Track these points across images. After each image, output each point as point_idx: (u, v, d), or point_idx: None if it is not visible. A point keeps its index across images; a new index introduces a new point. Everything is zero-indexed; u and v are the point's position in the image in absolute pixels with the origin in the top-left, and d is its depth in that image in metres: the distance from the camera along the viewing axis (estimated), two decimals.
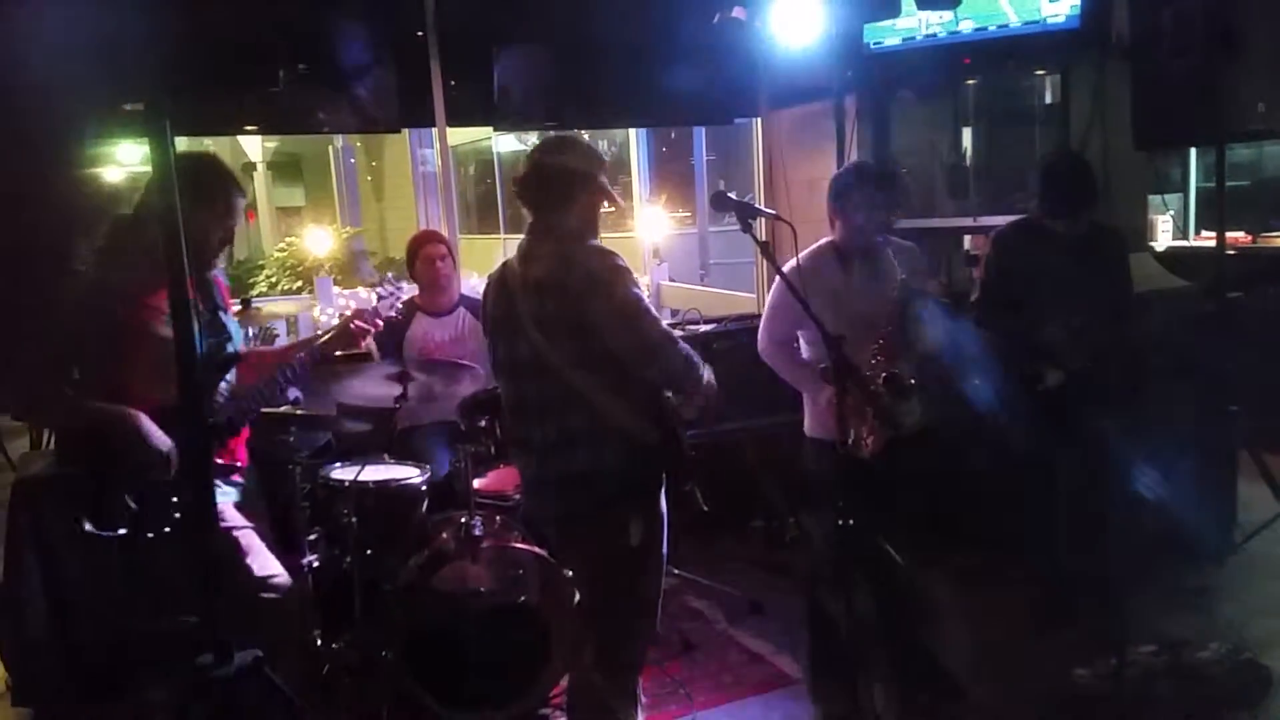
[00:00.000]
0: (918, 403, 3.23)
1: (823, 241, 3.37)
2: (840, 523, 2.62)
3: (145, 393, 2.65)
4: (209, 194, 2.76)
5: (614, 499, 2.65)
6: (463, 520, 3.39)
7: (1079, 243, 3.72)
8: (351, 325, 3.16)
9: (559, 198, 2.68)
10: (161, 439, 2.63)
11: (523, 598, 3.38)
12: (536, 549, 3.36)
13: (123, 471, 2.59)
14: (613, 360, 2.58)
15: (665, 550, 2.81)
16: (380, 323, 3.24)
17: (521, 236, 2.80)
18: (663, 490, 2.75)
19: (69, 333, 2.54)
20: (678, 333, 4.86)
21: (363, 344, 3.38)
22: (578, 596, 3.04)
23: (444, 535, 3.42)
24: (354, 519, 3.37)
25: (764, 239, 3.11)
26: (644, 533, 2.66)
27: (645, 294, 2.68)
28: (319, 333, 3.18)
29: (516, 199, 2.79)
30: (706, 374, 2.74)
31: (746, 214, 2.64)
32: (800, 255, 3.05)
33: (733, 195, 2.71)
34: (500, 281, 2.76)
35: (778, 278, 3.19)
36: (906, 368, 3.11)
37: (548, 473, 2.72)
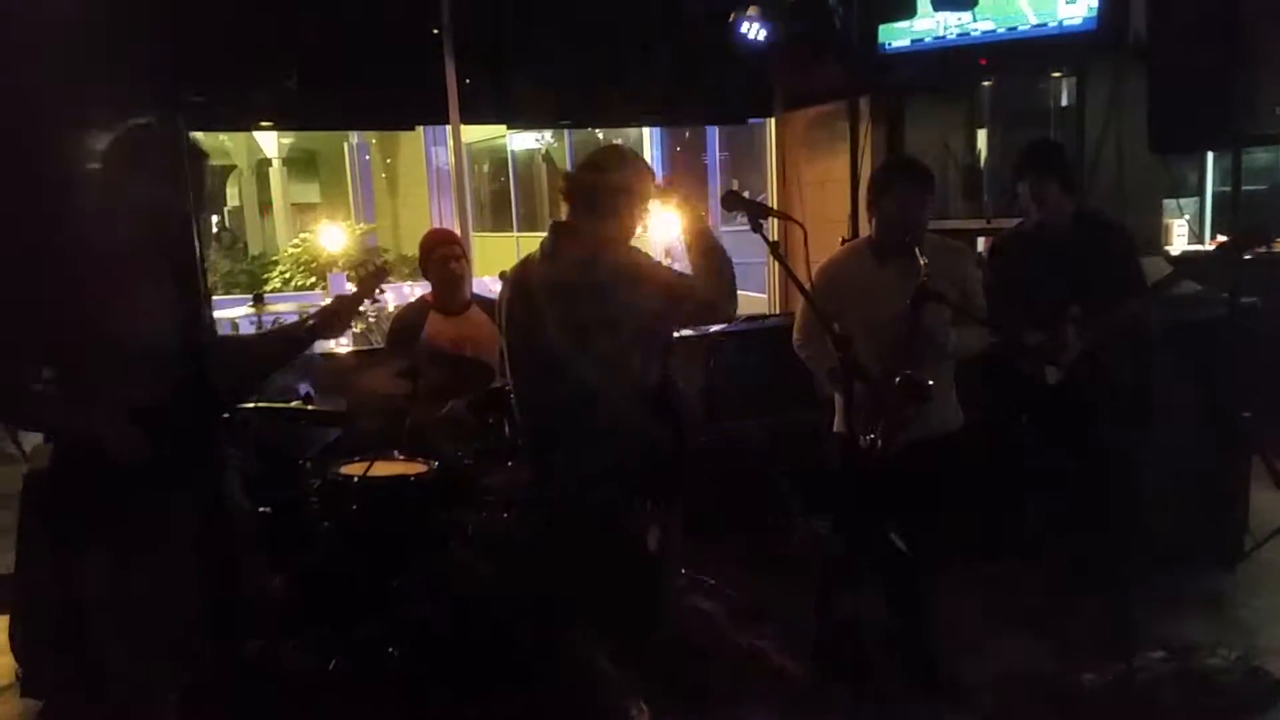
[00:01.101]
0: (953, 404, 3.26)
1: (861, 237, 3.38)
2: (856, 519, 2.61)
3: (119, 389, 2.49)
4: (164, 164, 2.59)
5: (632, 500, 2.66)
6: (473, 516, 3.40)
7: (1076, 239, 3.67)
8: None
9: (606, 209, 2.69)
10: (123, 447, 2.46)
11: (531, 592, 3.38)
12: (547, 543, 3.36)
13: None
14: (637, 357, 2.60)
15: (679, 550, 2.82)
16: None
17: (536, 234, 2.81)
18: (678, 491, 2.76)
19: (38, 327, 2.40)
20: (688, 332, 4.90)
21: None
22: (590, 593, 3.05)
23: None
24: (363, 514, 3.38)
25: (775, 239, 3.12)
26: (660, 533, 2.67)
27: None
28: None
29: (560, 194, 2.79)
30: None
31: (758, 214, 2.64)
32: (837, 250, 3.03)
33: (745, 195, 2.72)
34: (520, 279, 2.76)
35: (815, 272, 3.22)
36: (923, 370, 3.08)
37: (567, 473, 2.73)
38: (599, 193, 2.70)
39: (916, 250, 3.06)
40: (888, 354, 3.04)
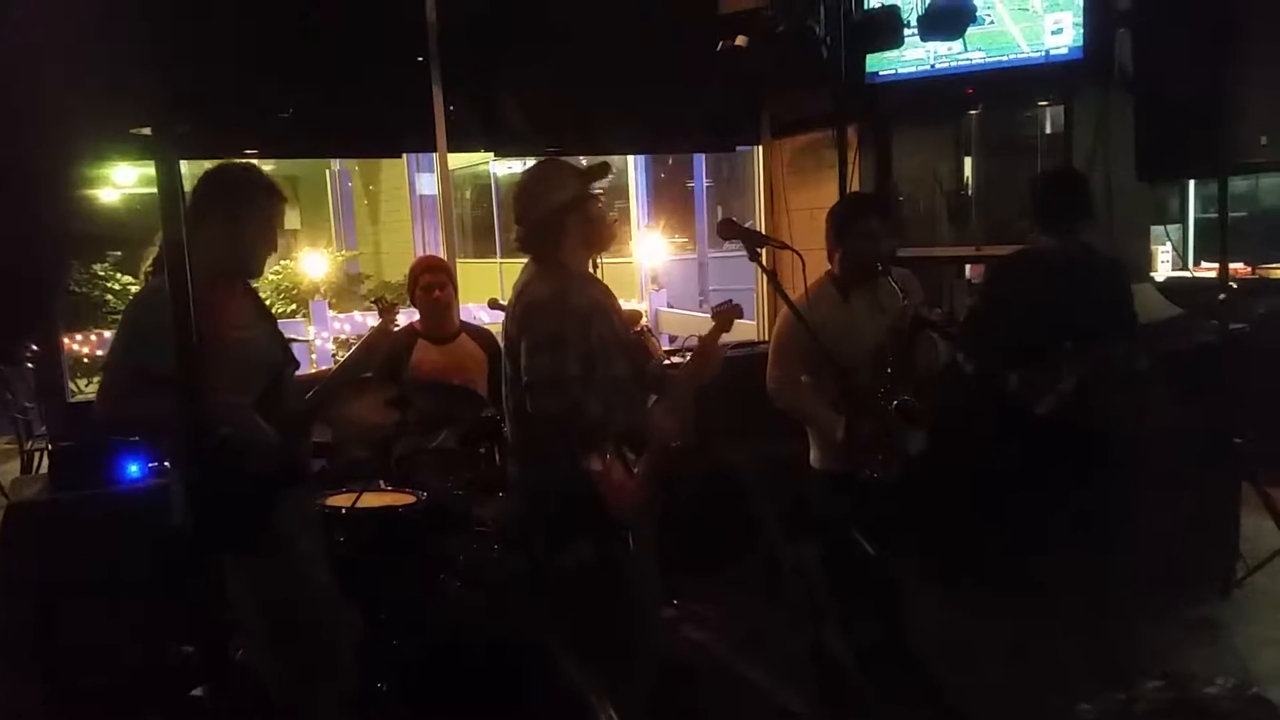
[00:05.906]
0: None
1: (822, 275, 3.37)
2: (850, 552, 2.60)
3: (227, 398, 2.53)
4: (249, 203, 2.70)
5: (555, 519, 2.70)
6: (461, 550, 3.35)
7: (1078, 271, 3.59)
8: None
9: (549, 235, 2.71)
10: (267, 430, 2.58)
11: (515, 621, 3.33)
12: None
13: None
14: (578, 384, 2.61)
15: (642, 578, 2.80)
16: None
17: (520, 260, 2.88)
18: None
19: (146, 348, 2.39)
20: (676, 359, 4.86)
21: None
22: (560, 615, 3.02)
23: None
24: (350, 546, 3.33)
25: (771, 268, 3.12)
26: (592, 555, 2.65)
27: (579, 338, 2.64)
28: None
29: (516, 241, 2.81)
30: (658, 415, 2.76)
31: (755, 242, 2.63)
32: (800, 295, 3.05)
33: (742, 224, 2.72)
34: (515, 294, 2.84)
35: (780, 316, 3.21)
36: (913, 394, 3.09)
37: (515, 485, 2.91)
38: (536, 229, 2.72)
39: (890, 279, 3.10)
40: (870, 382, 3.04)
